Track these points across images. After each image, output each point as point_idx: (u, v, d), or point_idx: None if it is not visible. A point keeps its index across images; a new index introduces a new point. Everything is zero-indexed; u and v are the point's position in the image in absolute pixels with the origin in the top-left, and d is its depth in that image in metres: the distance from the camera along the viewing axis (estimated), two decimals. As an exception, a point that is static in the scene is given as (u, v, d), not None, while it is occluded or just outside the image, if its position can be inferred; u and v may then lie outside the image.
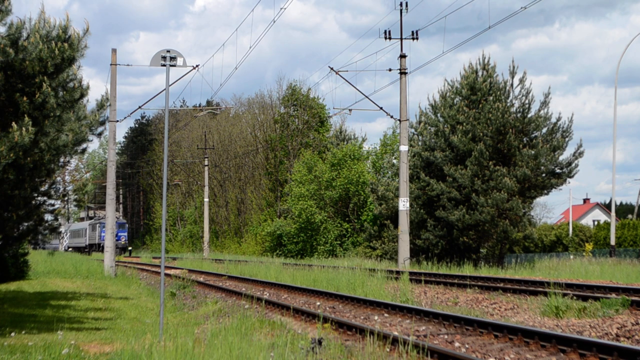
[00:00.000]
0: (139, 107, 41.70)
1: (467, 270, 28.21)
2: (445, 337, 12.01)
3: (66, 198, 21.38)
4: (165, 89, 14.02)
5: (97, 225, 79.85)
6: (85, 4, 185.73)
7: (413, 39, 37.19)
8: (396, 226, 38.17)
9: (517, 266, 33.74)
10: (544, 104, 38.18)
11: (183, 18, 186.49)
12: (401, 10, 37.18)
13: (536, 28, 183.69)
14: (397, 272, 26.16)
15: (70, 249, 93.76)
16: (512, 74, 38.65)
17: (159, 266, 41.20)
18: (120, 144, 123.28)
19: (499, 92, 38.30)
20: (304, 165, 59.81)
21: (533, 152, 37.14)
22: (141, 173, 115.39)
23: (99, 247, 77.63)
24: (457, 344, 11.30)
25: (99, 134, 18.20)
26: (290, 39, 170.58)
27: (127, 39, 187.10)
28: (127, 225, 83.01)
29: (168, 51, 13.62)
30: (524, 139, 38.30)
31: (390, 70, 38.08)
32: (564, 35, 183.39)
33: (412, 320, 14.07)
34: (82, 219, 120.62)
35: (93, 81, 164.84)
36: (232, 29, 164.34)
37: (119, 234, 75.40)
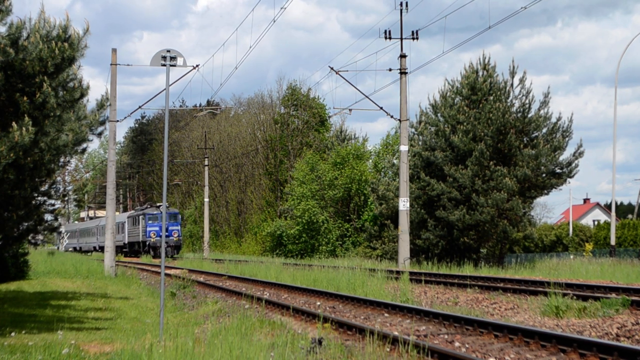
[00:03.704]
0: (139, 107, 41.74)
1: (467, 270, 28.20)
2: (446, 337, 12.00)
3: (66, 198, 21.40)
4: (165, 89, 14.03)
5: (141, 217, 61.64)
6: (88, 4, 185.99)
7: (413, 38, 37.19)
8: (396, 226, 38.16)
9: (517, 266, 33.75)
10: (544, 103, 38.21)
11: (186, 18, 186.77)
12: (401, 10, 37.16)
13: (539, 28, 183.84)
14: (397, 272, 26.15)
15: (72, 249, 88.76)
16: (512, 73, 38.67)
17: (159, 266, 41.20)
18: (120, 144, 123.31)
19: (499, 92, 38.29)
20: (307, 164, 59.78)
21: (533, 152, 37.13)
22: (141, 173, 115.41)
23: (144, 246, 60.95)
24: (457, 344, 11.30)
25: (99, 134, 18.21)
26: (292, 38, 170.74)
27: (130, 38, 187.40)
28: (179, 216, 63.19)
29: (168, 51, 13.62)
30: (525, 139, 38.30)
31: (390, 70, 38.11)
32: (567, 35, 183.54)
33: (412, 320, 14.06)
34: (82, 219, 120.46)
35: (95, 81, 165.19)
36: (235, 28, 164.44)
37: (170, 227, 58.91)
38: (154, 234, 59.03)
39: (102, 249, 74.32)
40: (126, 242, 67.06)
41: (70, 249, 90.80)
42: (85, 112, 17.22)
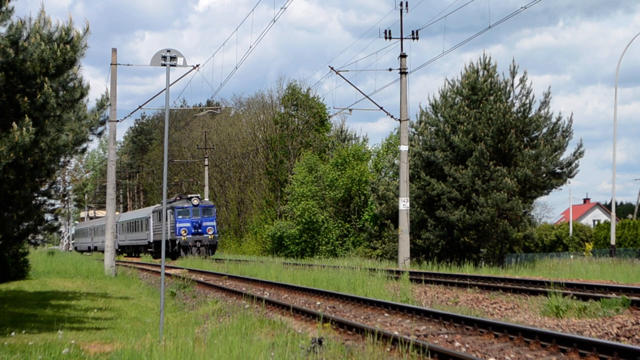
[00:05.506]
0: (139, 107, 41.60)
1: (468, 270, 28.19)
2: (446, 336, 12.00)
3: (66, 198, 21.44)
4: (165, 89, 14.03)
5: (169, 212, 52.56)
6: (90, 4, 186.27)
7: (413, 38, 37.17)
8: (396, 226, 38.16)
9: (518, 266, 33.74)
10: (544, 103, 38.20)
11: (187, 18, 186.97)
12: (401, 10, 37.13)
13: (540, 27, 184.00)
14: (397, 272, 26.15)
15: (86, 249, 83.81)
16: (513, 73, 38.65)
17: (159, 266, 41.20)
18: (120, 143, 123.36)
19: (499, 92, 38.28)
20: (305, 165, 59.77)
21: (534, 152, 37.12)
22: (141, 173, 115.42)
23: (173, 246, 52.57)
24: (457, 344, 11.30)
25: (99, 134, 18.24)
26: (294, 38, 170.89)
27: (132, 38, 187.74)
28: (214, 210, 54.38)
29: (168, 51, 13.62)
30: (525, 139, 38.29)
31: (390, 70, 38.10)
32: (568, 35, 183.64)
33: (413, 320, 14.06)
34: (82, 219, 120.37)
35: (97, 81, 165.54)
36: (235, 28, 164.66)
37: (204, 223, 51.80)
38: (185, 231, 51.43)
39: (122, 248, 68.84)
40: (151, 240, 58.61)
41: (73, 249, 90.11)
42: (85, 112, 17.24)
